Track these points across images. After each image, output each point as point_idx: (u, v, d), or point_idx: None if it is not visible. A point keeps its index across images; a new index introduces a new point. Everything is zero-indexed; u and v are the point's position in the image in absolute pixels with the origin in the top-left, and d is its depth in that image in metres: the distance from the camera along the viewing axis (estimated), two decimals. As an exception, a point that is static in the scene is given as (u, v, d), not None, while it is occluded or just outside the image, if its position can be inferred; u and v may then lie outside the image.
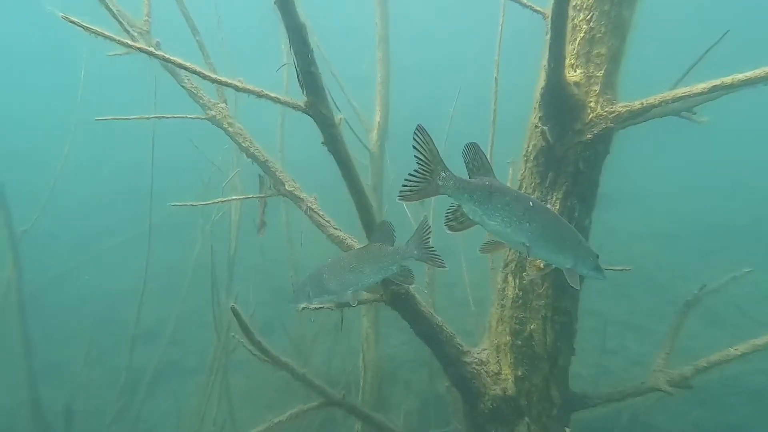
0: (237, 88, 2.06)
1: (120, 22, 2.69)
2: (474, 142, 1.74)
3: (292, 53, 2.17)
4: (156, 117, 2.86)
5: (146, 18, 2.85)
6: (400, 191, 1.69)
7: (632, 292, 11.86)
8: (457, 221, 1.78)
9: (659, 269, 12.48)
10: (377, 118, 4.89)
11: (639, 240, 14.47)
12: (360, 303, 2.81)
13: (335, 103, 4.68)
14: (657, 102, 2.82)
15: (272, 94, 2.11)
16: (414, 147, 1.65)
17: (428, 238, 2.24)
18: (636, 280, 12.15)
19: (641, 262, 12.98)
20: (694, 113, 3.58)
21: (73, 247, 15.37)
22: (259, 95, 2.09)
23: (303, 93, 2.31)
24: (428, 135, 1.65)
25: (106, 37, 2.06)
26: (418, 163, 1.68)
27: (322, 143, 2.46)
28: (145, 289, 7.12)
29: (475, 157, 1.74)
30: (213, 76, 2.00)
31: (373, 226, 2.58)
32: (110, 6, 2.81)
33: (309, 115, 2.33)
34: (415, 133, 1.63)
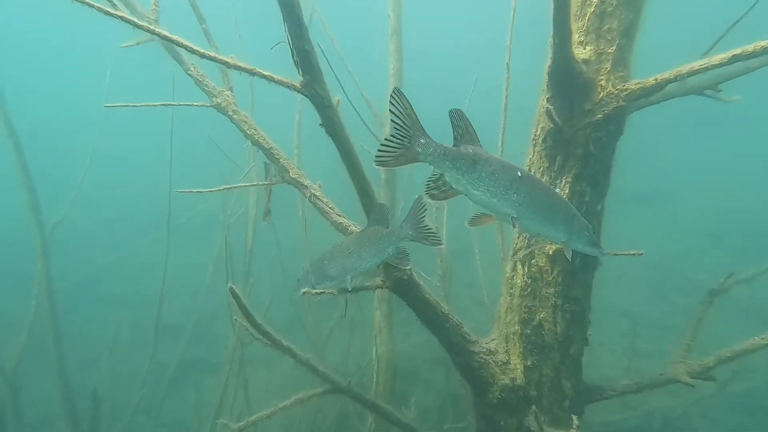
0: (228, 65, 2.07)
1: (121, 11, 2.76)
2: (458, 109, 1.67)
3: (286, 31, 2.16)
4: (162, 104, 2.92)
5: (154, 6, 2.91)
6: (376, 156, 1.63)
7: (670, 293, 11.36)
8: (438, 190, 1.71)
9: (700, 270, 11.93)
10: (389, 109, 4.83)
11: (678, 239, 13.87)
12: (363, 289, 2.79)
13: (347, 96, 4.68)
14: (672, 77, 2.67)
15: (265, 72, 2.11)
16: (390, 111, 1.60)
17: (423, 218, 2.21)
18: (674, 281, 11.64)
19: (680, 263, 12.43)
20: (720, 90, 3.38)
21: (106, 244, 15.98)
22: (252, 73, 2.09)
23: (298, 72, 2.29)
24: (406, 99, 1.59)
25: (113, 15, 2.09)
26: (394, 128, 1.62)
27: (320, 125, 2.44)
28: (169, 287, 7.30)
29: (459, 124, 1.67)
30: (203, 51, 2.01)
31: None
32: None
33: (305, 95, 2.31)
34: (391, 96, 1.58)
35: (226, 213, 6.31)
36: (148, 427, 7.86)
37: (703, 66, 2.57)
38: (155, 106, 2.88)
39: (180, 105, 3.00)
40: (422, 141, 1.64)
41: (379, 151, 1.62)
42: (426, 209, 2.21)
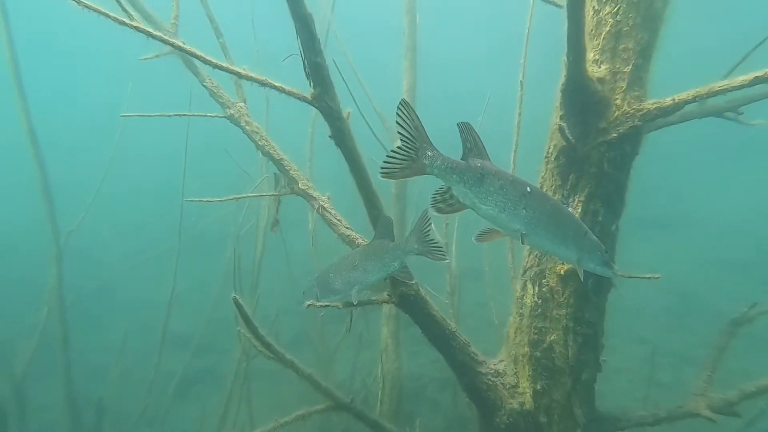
0: (240, 75, 2.08)
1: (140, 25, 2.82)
2: (467, 122, 1.65)
3: (299, 44, 2.18)
4: (177, 115, 2.96)
5: (174, 21, 2.98)
6: (381, 168, 1.61)
7: (692, 322, 10.98)
8: (445, 203, 1.67)
9: (724, 298, 11.53)
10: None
11: (701, 267, 13.47)
12: (368, 303, 2.75)
13: (359, 110, 4.67)
14: (691, 97, 2.62)
15: (276, 84, 2.12)
16: (398, 123, 1.57)
17: (428, 232, 2.18)
18: (697, 310, 11.28)
19: (703, 291, 12.05)
20: (741, 113, 3.30)
21: (121, 252, 16.18)
22: (263, 84, 2.10)
23: (309, 84, 2.30)
24: (413, 110, 1.57)
25: (133, 27, 2.13)
26: (402, 140, 1.60)
27: (330, 137, 2.45)
28: (181, 297, 7.34)
29: (468, 138, 1.64)
30: (215, 61, 2.04)
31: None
32: (142, 8, 2.98)
33: (315, 107, 2.32)
34: (398, 108, 1.56)
35: (236, 224, 6.35)
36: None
37: (724, 87, 2.51)
38: (170, 116, 2.92)
39: (194, 116, 3.04)
40: (429, 153, 1.61)
41: (385, 162, 1.60)
42: (431, 223, 2.18)
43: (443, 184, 1.67)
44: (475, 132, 1.65)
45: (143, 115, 2.92)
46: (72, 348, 7.03)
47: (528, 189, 1.68)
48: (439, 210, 1.69)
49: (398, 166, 1.59)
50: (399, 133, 1.59)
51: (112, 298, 14.18)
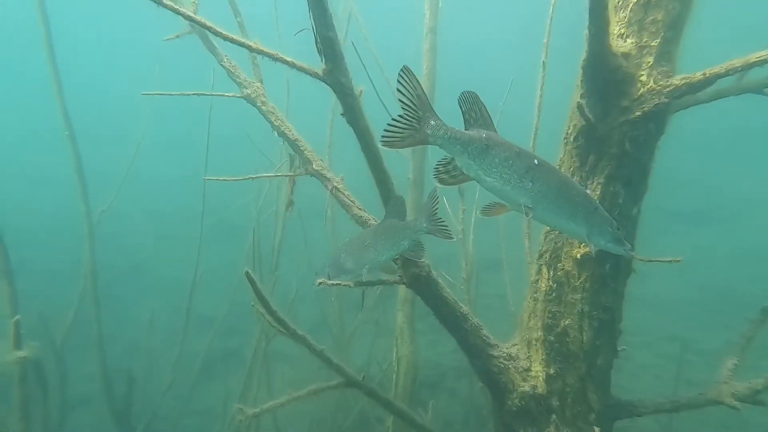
0: (251, 49, 2.10)
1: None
2: (472, 91, 1.60)
3: (311, 18, 2.17)
4: (195, 93, 3.02)
5: (194, 1, 3.01)
6: (382, 136, 1.57)
7: (731, 320, 10.51)
8: (448, 174, 1.64)
9: (763, 294, 10.99)
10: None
11: (741, 262, 12.86)
12: (379, 283, 2.75)
13: (380, 97, 4.66)
14: (723, 71, 2.47)
15: (287, 58, 2.13)
16: (399, 90, 1.54)
17: (436, 211, 2.18)
18: (734, 306, 10.81)
19: (741, 286, 11.55)
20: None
21: (153, 234, 16.77)
22: (274, 58, 2.11)
23: (321, 59, 2.30)
24: (415, 77, 1.53)
25: (165, 6, 2.14)
26: (403, 108, 1.56)
27: (341, 114, 2.44)
28: (208, 279, 7.55)
29: (473, 107, 1.59)
30: (226, 33, 2.05)
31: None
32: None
33: (326, 82, 2.31)
34: (399, 75, 1.52)
35: (257, 208, 6.46)
36: (180, 411, 8.13)
37: (761, 59, 2.36)
38: (189, 95, 2.98)
39: (212, 95, 3.09)
40: (432, 123, 1.58)
41: (386, 130, 1.57)
42: (438, 202, 2.17)
43: (446, 154, 1.64)
44: (481, 102, 1.60)
45: (162, 94, 2.99)
46: (107, 325, 7.36)
47: (535, 161, 1.63)
48: (441, 181, 1.65)
49: (400, 135, 1.56)
50: (400, 101, 1.55)
51: (144, 279, 14.72)
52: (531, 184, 1.60)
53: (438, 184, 1.66)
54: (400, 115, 1.57)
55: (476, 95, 1.60)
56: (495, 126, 1.61)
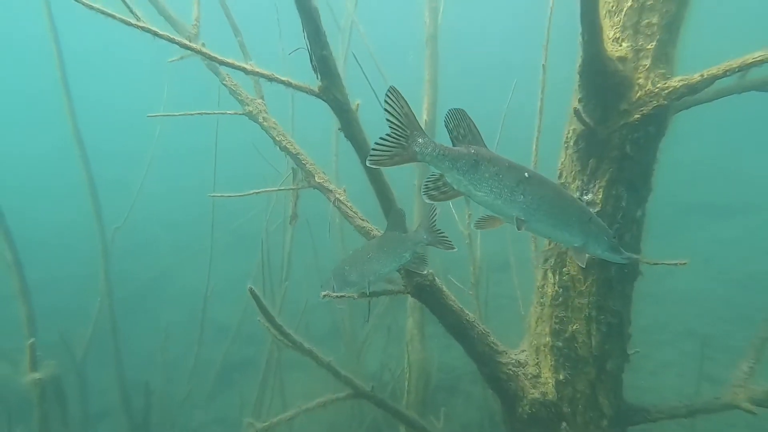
0: (246, 72, 2.15)
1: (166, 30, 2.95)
2: (460, 108, 1.62)
3: (305, 37, 2.21)
4: (199, 113, 3.09)
5: (195, 23, 3.09)
6: (369, 155, 1.60)
7: (754, 314, 10.25)
8: (438, 190, 1.65)
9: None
10: (425, 118, 4.82)
11: (766, 254, 12.52)
12: (384, 294, 2.78)
13: (378, 98, 4.66)
14: (721, 72, 2.45)
15: (283, 78, 2.17)
16: (386, 110, 1.57)
17: (435, 222, 2.20)
18: (759, 302, 10.55)
19: (766, 281, 11.25)
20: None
21: (170, 247, 17.04)
22: (270, 79, 2.16)
23: (317, 77, 2.34)
24: (402, 97, 1.55)
25: (161, 36, 2.23)
26: (390, 127, 1.59)
27: (339, 129, 2.47)
28: (220, 292, 7.64)
29: (459, 125, 1.61)
30: (221, 58, 2.11)
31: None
32: (167, 12, 3.12)
33: (323, 99, 2.35)
34: (386, 95, 1.55)
35: (266, 219, 6.55)
36: (199, 420, 8.25)
37: (759, 59, 2.33)
38: (192, 114, 3.05)
39: (214, 114, 3.16)
40: (420, 140, 1.60)
41: (373, 149, 1.60)
42: (437, 214, 2.19)
43: (435, 171, 1.66)
44: (469, 118, 1.62)
45: (167, 115, 3.07)
46: (123, 336, 7.51)
47: (526, 174, 1.64)
48: (432, 197, 1.67)
49: (388, 153, 1.58)
50: (387, 120, 1.59)
51: (163, 290, 14.96)
52: (522, 197, 1.61)
53: (427, 200, 1.68)
54: (387, 134, 1.60)
55: (463, 112, 1.62)
56: (484, 141, 1.63)
